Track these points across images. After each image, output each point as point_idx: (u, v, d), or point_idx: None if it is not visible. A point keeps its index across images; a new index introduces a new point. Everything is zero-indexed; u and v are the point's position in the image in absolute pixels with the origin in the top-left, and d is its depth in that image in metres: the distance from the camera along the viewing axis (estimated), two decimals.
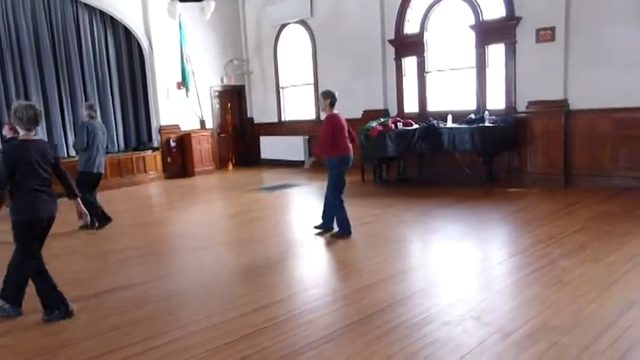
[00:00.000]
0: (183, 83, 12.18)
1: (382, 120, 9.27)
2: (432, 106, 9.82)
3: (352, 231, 5.72)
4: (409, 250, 5.17)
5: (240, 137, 14.04)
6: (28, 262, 3.78)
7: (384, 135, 8.70)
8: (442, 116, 9.01)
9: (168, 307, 3.96)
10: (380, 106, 10.50)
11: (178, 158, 12.59)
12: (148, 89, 12.40)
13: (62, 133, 11.17)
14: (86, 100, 11.42)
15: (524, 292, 3.83)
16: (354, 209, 7.37)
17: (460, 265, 4.64)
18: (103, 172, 7.21)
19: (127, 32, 12.09)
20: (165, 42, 12.13)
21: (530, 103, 8.36)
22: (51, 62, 10.98)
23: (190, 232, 6.77)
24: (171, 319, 3.72)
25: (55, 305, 3.77)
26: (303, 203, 8.58)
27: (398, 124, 9.00)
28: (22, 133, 3.77)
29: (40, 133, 10.08)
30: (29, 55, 10.68)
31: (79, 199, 4.07)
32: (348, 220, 5.71)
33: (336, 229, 5.82)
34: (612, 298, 3.60)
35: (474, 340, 3.10)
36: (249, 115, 14.18)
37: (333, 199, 5.74)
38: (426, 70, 9.82)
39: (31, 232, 3.74)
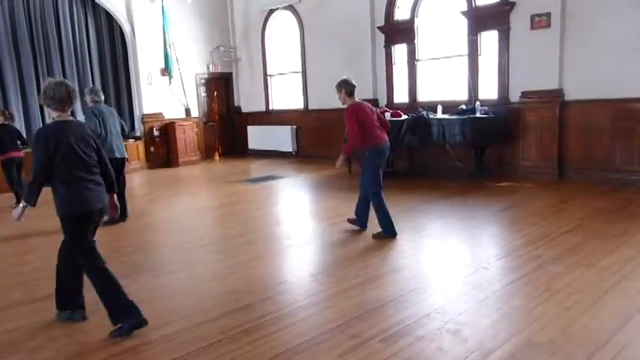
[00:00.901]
0: (166, 70, 11.73)
1: None
2: (423, 96, 9.44)
3: (361, 226, 5.38)
4: (387, 251, 4.81)
5: (227, 126, 13.62)
6: (88, 258, 3.29)
7: None
8: (433, 107, 8.63)
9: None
10: (369, 96, 10.09)
11: (162, 148, 12.20)
12: (131, 76, 11.96)
13: (41, 124, 10.73)
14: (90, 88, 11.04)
15: (509, 302, 3.48)
16: (336, 204, 7.08)
17: (441, 268, 4.29)
18: (125, 155, 6.79)
19: (109, 17, 11.63)
20: (148, 27, 11.67)
21: (524, 94, 7.99)
22: (28, 49, 10.51)
23: (159, 228, 6.41)
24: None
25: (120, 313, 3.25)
26: (286, 196, 8.23)
27: (386, 114, 8.60)
28: (55, 115, 3.28)
29: (18, 125, 9.68)
30: (5, 41, 10.21)
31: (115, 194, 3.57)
32: (391, 220, 5.11)
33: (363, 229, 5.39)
34: (606, 310, 3.26)
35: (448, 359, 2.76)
36: (236, 104, 13.76)
37: (374, 198, 5.11)
38: (416, 58, 9.42)
39: (87, 224, 3.29)
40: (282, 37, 12.32)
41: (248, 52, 13.12)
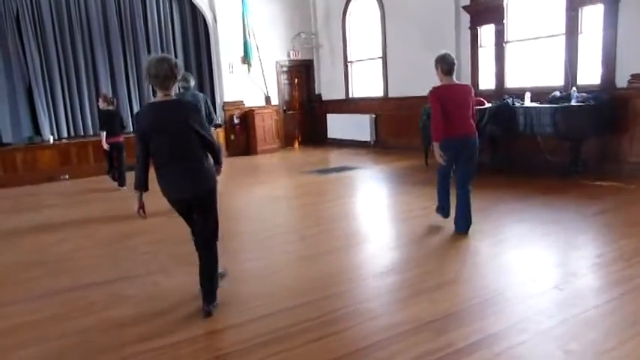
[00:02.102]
0: (245, 58, 11.73)
1: None
2: (511, 82, 8.48)
3: (448, 216, 5.05)
4: (450, 257, 4.25)
5: (307, 114, 13.43)
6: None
7: None
8: (521, 94, 7.69)
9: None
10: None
11: (242, 136, 12.28)
12: (213, 65, 12.14)
13: (129, 111, 11.24)
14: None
15: (582, 336, 2.80)
16: (405, 199, 6.56)
17: (506, 283, 3.65)
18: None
19: (193, 7, 11.84)
20: (229, 15, 11.73)
21: (634, 77, 6.82)
22: (118, 41, 11.05)
23: (233, 216, 6.24)
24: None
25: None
26: (358, 188, 7.79)
27: None
28: (159, 94, 3.12)
29: None
30: (98, 34, 10.79)
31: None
32: (449, 204, 4.99)
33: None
34: None
35: None
36: (317, 92, 13.50)
37: (439, 181, 5.01)
38: (505, 39, 8.47)
39: (185, 211, 3.38)
40: (363, 22, 11.80)
41: (329, 39, 12.76)
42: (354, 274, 4.02)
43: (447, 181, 4.97)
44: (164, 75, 3.04)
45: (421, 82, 8.51)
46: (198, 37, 12.09)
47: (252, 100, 12.37)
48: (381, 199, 7.10)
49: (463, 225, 4.76)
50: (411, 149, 9.82)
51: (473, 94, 4.72)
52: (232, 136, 12.17)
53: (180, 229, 3.92)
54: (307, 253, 4.62)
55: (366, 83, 11.99)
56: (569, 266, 3.94)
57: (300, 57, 13.01)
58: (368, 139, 11.74)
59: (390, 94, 11.14)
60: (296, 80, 13.14)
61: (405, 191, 7.07)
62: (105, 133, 8.11)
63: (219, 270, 3.53)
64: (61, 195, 8.43)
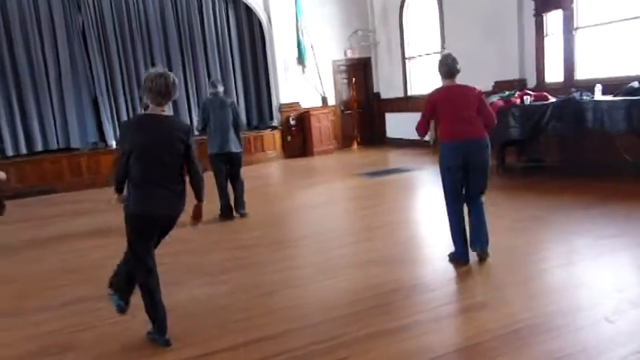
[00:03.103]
0: (299, 58, 11.58)
1: (506, 93, 7.45)
2: (582, 74, 7.63)
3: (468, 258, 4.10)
4: (488, 275, 3.77)
5: (365, 114, 13.04)
6: (135, 264, 3.16)
7: (505, 112, 6.94)
8: (591, 87, 6.87)
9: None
10: (514, 76, 8.56)
11: (298, 137, 12.15)
12: (268, 67, 12.11)
13: (187, 114, 11.48)
14: (208, 80, 11.62)
15: None
16: None
17: (543, 310, 3.14)
18: (234, 150, 6.28)
19: (248, 9, 11.87)
20: (283, 16, 11.64)
21: None
22: (177, 49, 11.30)
23: (274, 222, 6.11)
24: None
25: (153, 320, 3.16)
26: (401, 194, 7.34)
27: (526, 98, 7.13)
28: (151, 107, 3.08)
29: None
30: (157, 44, 11.09)
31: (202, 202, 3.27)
32: (459, 239, 4.09)
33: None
34: None
35: None
36: (375, 90, 13.08)
37: (446, 208, 4.16)
38: (574, 26, 7.63)
39: (138, 230, 3.09)
40: (421, 15, 11.23)
41: (387, 35, 12.30)
42: (413, 282, 3.71)
43: (456, 207, 4.08)
44: (157, 90, 2.97)
45: (481, 75, 7.95)
46: (253, 39, 12.11)
47: (309, 101, 12.21)
48: (432, 205, 6.57)
49: (478, 242, 4.09)
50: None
51: (479, 95, 4.14)
52: (289, 138, 12.07)
53: (200, 240, 3.78)
54: (345, 262, 4.33)
55: (425, 80, 11.41)
56: (627, 292, 3.32)
57: (357, 55, 12.66)
58: (427, 138, 11.13)
59: None
60: (353, 79, 12.79)
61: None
62: None
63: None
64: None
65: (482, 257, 4.07)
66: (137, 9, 10.90)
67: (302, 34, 11.44)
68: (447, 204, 4.13)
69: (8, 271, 5.03)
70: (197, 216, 3.27)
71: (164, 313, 3.13)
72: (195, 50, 11.47)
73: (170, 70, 10.86)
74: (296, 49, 11.67)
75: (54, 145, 10.37)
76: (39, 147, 10.20)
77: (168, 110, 3.24)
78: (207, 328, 3.30)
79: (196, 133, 9.27)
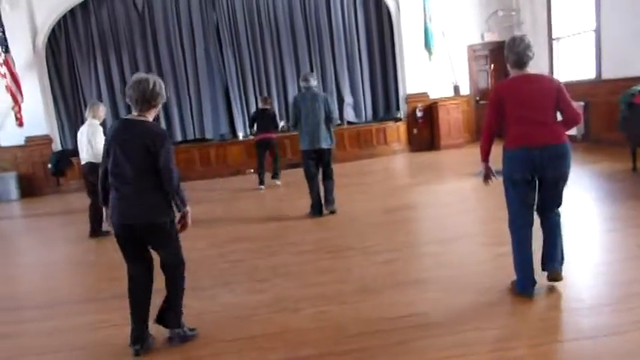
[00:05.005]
0: (425, 45, 10.78)
1: None
2: None
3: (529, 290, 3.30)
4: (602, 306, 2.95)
5: None
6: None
7: None
8: None
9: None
10: None
11: (426, 130, 11.41)
12: (396, 56, 11.53)
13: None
14: (335, 73, 11.51)
15: None
16: (590, 217, 5.00)
17: None
18: (324, 146, 6.05)
19: None
20: (412, 3, 10.93)
21: None
22: (304, 40, 11.39)
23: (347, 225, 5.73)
24: None
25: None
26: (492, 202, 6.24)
27: None
28: (133, 112, 2.98)
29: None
30: (285, 36, 11.30)
31: (184, 210, 3.04)
32: (524, 268, 3.26)
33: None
34: None
35: None
36: None
37: (512, 232, 3.33)
38: None
39: (117, 239, 3.02)
40: None
41: (532, 13, 10.81)
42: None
43: (525, 231, 3.25)
44: (136, 98, 2.89)
45: None
46: (381, 29, 11.61)
47: (438, 91, 11.36)
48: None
49: (551, 261, 3.25)
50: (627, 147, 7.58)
51: (559, 88, 3.16)
52: (415, 130, 11.40)
53: (272, 239, 3.57)
54: (391, 280, 3.82)
55: (574, 63, 9.78)
56: None
57: (496, 38, 11.37)
58: (574, 132, 9.55)
59: (604, 76, 8.83)
60: (492, 66, 11.55)
61: (597, 206, 5.47)
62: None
63: None
64: (227, 190, 8.98)
65: (554, 279, 3.25)
66: (267, 4, 11.19)
67: (430, 19, 10.61)
68: (511, 222, 3.32)
69: None
70: (182, 226, 3.06)
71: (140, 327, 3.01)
72: (322, 42, 11.41)
73: (297, 62, 11.13)
74: (423, 37, 10.89)
75: (190, 136, 11.26)
76: (178, 138, 11.15)
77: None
78: (215, 342, 3.12)
79: (284, 128, 9.34)
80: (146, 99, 2.87)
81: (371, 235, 5.19)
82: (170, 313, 3.08)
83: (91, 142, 5.84)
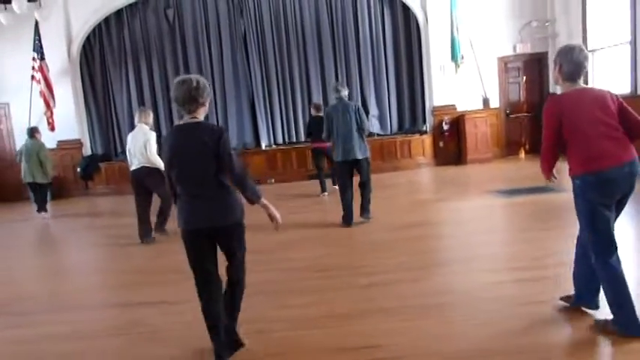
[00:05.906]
0: (452, 57, 10.49)
1: None
2: None
3: (580, 303, 3.20)
4: None
5: (538, 118, 11.20)
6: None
7: None
8: None
9: None
10: None
11: (452, 143, 11.11)
12: (424, 67, 11.30)
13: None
14: (361, 84, 11.38)
15: None
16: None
17: None
18: (360, 157, 6.05)
19: (405, 9, 11.24)
20: (441, 14, 10.69)
21: None
22: (330, 50, 11.35)
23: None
24: None
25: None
26: (534, 223, 5.91)
27: None
28: (185, 117, 2.91)
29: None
30: (311, 46, 11.31)
31: (261, 201, 2.93)
32: (628, 307, 2.87)
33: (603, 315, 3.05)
34: None
35: None
36: (551, 90, 11.15)
37: (598, 265, 2.92)
38: None
39: (187, 245, 2.93)
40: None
41: (567, 25, 10.35)
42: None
43: (610, 261, 2.87)
44: (183, 99, 2.82)
45: None
46: (409, 39, 11.41)
47: (466, 103, 11.04)
48: (560, 242, 5.15)
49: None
50: None
51: (616, 98, 2.89)
52: (441, 144, 11.12)
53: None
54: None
55: (609, 77, 9.27)
56: None
57: (529, 50, 10.96)
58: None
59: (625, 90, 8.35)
60: (524, 78, 11.13)
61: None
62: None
63: None
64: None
65: None
66: (294, 13, 11.23)
67: (457, 30, 10.33)
68: (598, 254, 2.91)
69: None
70: (271, 219, 2.97)
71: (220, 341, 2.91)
72: (349, 53, 11.33)
73: (322, 72, 11.07)
74: (449, 48, 10.63)
75: None
76: None
77: None
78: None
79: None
80: (192, 96, 2.81)
81: (372, 253, 5.03)
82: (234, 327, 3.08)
83: (146, 146, 5.99)
